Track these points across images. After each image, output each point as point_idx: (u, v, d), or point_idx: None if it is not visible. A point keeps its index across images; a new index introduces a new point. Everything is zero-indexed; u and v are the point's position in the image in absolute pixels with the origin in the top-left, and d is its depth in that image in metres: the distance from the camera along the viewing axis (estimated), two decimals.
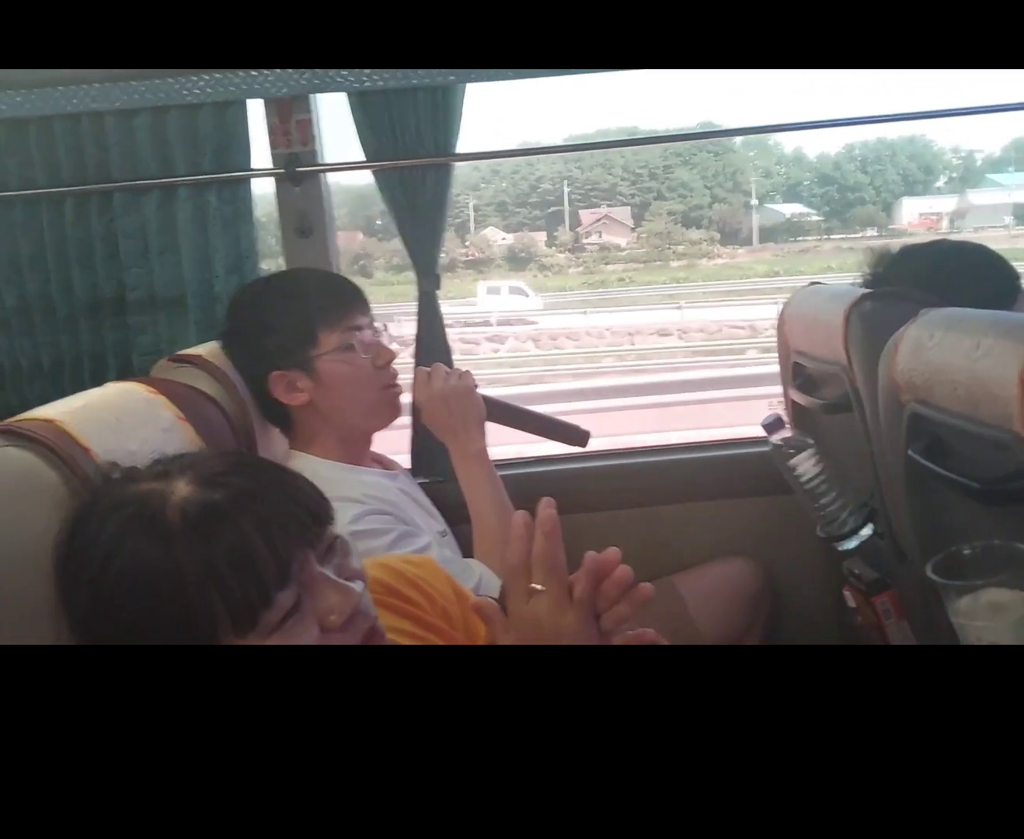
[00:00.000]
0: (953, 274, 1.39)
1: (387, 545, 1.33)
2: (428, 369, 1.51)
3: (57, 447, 0.82)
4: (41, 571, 0.75)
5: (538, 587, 0.82)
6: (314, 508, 0.79)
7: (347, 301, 1.43)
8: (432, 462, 1.74)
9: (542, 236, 28.01)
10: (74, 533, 0.75)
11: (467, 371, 1.51)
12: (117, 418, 0.98)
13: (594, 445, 1.68)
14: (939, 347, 1.04)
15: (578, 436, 1.60)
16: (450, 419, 1.48)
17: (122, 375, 1.71)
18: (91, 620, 0.74)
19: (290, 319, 1.40)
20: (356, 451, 1.47)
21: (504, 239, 27.78)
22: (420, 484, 1.67)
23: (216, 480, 0.75)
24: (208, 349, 1.39)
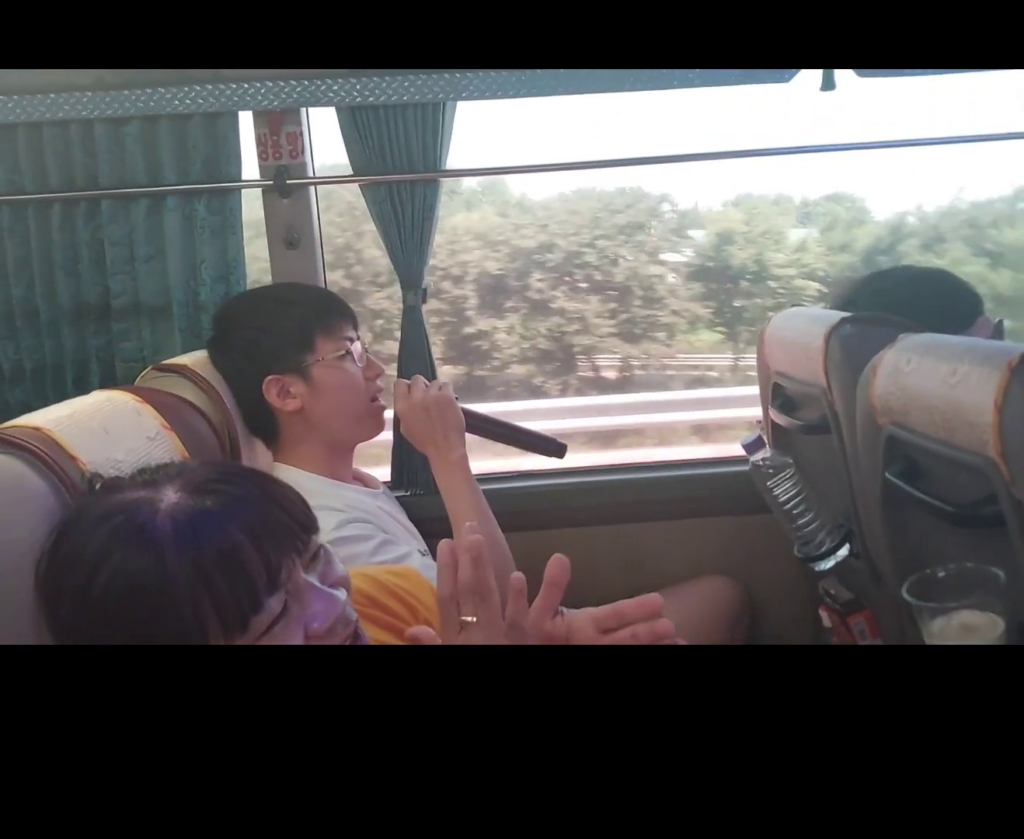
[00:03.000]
0: (917, 297, 1.44)
1: (370, 550, 1.35)
2: (408, 381, 1.53)
3: (46, 455, 0.82)
4: (28, 579, 0.75)
5: (468, 619, 0.83)
6: (301, 517, 0.80)
7: (342, 313, 1.48)
8: (412, 476, 1.75)
9: None
10: (60, 542, 0.76)
11: (447, 382, 1.54)
12: (104, 427, 0.98)
13: (577, 461, 1.70)
14: (916, 372, 1.06)
15: (555, 448, 1.62)
16: (430, 429, 1.49)
17: (105, 382, 1.71)
18: (76, 629, 0.74)
19: (288, 324, 1.43)
20: (339, 465, 1.49)
21: None
22: (400, 497, 1.68)
23: (205, 487, 0.76)
24: (193, 359, 1.40)
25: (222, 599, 0.72)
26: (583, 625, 0.84)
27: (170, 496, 0.75)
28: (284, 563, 0.76)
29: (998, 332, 1.46)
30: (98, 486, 0.82)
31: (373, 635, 0.99)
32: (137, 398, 1.09)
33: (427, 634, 0.87)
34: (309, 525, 0.81)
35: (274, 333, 1.42)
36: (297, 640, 0.76)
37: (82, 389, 1.70)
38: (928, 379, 1.03)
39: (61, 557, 0.75)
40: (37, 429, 0.88)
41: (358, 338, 1.49)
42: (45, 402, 1.71)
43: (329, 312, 1.46)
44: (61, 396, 1.69)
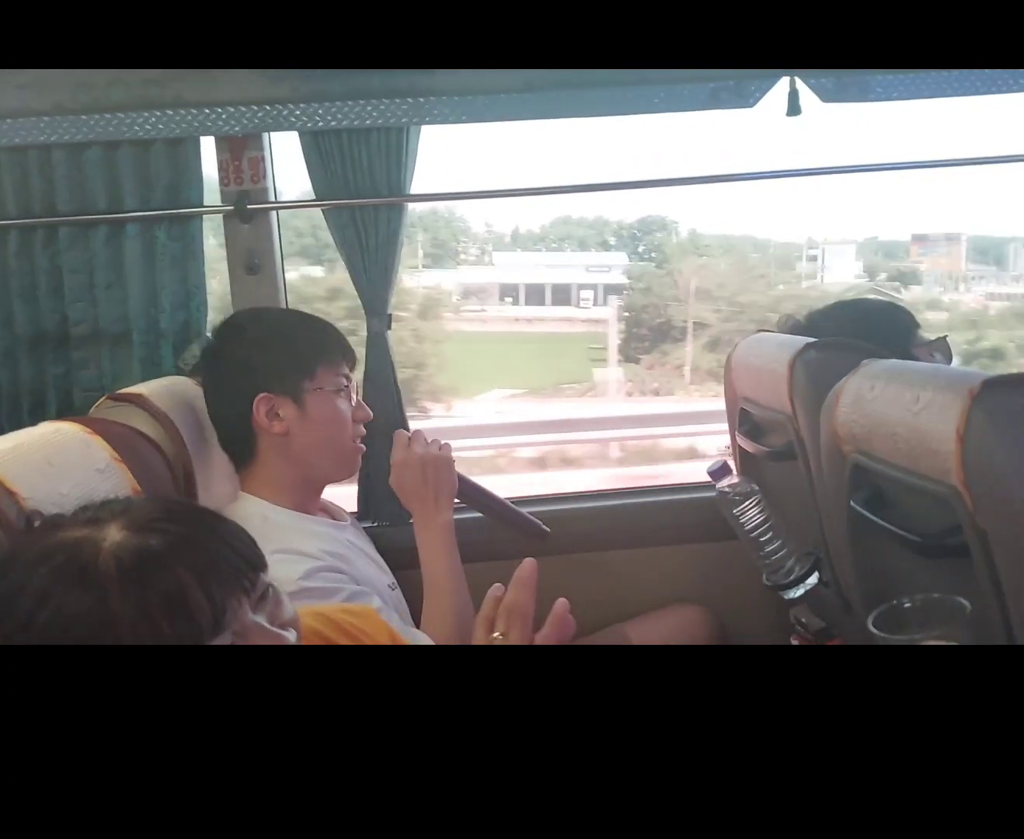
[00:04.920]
0: (859, 321, 1.48)
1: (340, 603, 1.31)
2: (409, 434, 1.51)
3: None
4: None
5: (497, 636, 0.84)
6: (248, 554, 0.78)
7: (343, 350, 1.45)
8: (378, 507, 1.73)
9: None
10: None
11: (447, 443, 1.52)
12: (48, 460, 0.96)
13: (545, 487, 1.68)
14: (879, 399, 1.05)
15: (536, 532, 1.62)
16: (422, 487, 1.47)
17: (62, 411, 1.68)
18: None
19: (290, 346, 1.40)
20: (309, 500, 1.45)
21: None
22: (366, 528, 1.66)
23: (150, 526, 0.74)
24: (150, 388, 1.37)
25: (165, 642, 0.69)
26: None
27: (114, 535, 0.72)
28: (230, 603, 0.74)
29: (945, 350, 1.47)
30: (37, 523, 0.79)
31: None
32: (87, 429, 1.06)
33: None
34: (257, 563, 0.79)
35: (276, 351, 1.39)
36: None
37: (38, 418, 1.65)
38: (891, 406, 1.02)
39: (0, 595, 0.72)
40: None
41: (352, 379, 1.47)
42: (1, 431, 1.69)
43: (332, 345, 1.44)
44: (16, 426, 1.66)
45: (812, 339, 1.32)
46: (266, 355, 1.39)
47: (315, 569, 1.31)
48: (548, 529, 1.62)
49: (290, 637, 0.78)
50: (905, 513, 1.07)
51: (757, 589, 1.61)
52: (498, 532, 1.73)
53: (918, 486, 0.98)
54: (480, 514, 1.62)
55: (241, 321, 1.50)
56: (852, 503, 1.13)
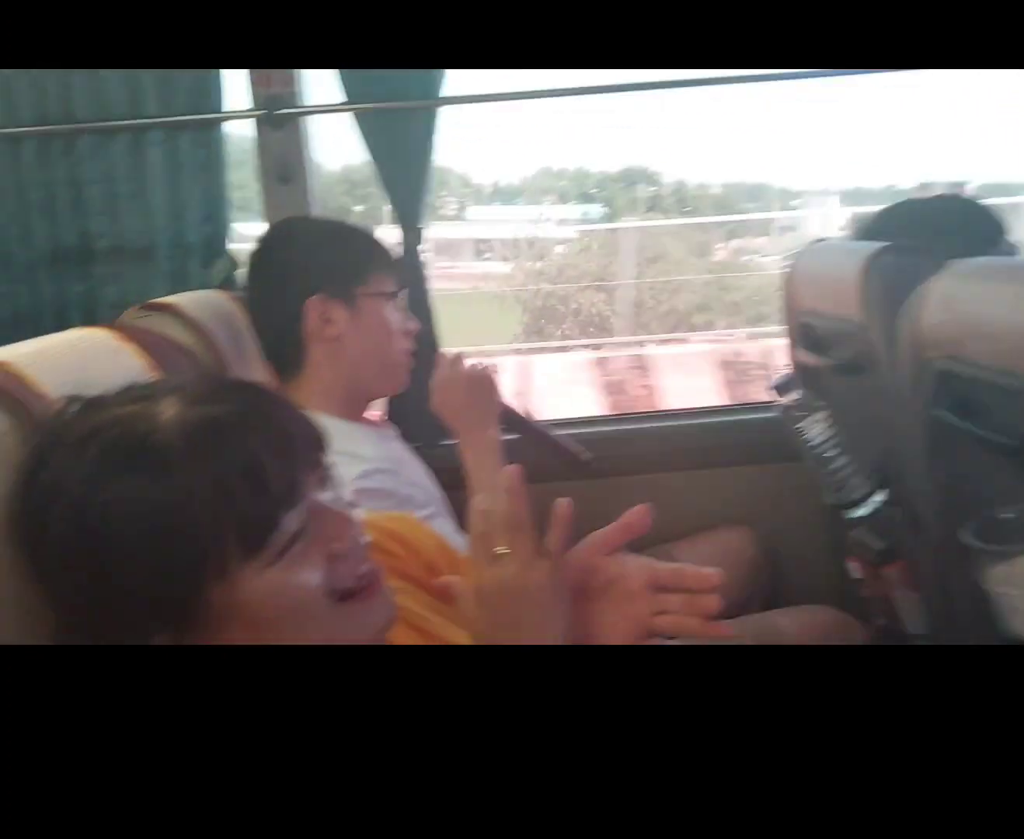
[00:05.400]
0: (940, 224, 1.38)
1: (394, 507, 1.26)
2: (453, 354, 1.46)
3: (6, 391, 0.73)
4: None
5: (501, 550, 0.77)
6: (314, 430, 0.73)
7: (393, 262, 1.41)
8: (409, 426, 1.66)
9: None
10: (38, 468, 0.66)
11: (493, 364, 1.48)
12: (80, 364, 0.89)
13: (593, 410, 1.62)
14: (974, 299, 0.97)
15: (579, 463, 1.59)
16: (467, 404, 1.43)
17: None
18: (71, 562, 0.64)
19: (344, 249, 1.36)
20: (355, 412, 1.41)
21: None
22: None
23: (212, 397, 0.68)
24: (182, 299, 1.30)
25: (243, 514, 0.64)
26: (635, 573, 0.78)
27: (170, 408, 0.66)
28: (301, 476, 0.68)
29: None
30: (77, 408, 0.71)
31: None
32: (119, 336, 0.99)
33: (455, 581, 0.81)
34: (323, 439, 0.74)
35: (329, 254, 1.35)
36: (316, 562, 0.68)
37: None
38: (989, 305, 0.94)
39: (43, 483, 0.65)
40: (2, 364, 0.78)
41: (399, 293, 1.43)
42: None
43: (383, 253, 1.40)
44: None
45: (886, 243, 1.24)
46: (318, 258, 1.34)
47: (370, 471, 1.27)
48: (590, 455, 1.57)
49: (356, 515, 0.73)
50: (995, 421, 0.99)
51: (808, 511, 1.56)
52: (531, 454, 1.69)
53: (1018, 387, 0.90)
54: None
55: (289, 227, 1.44)
56: (935, 412, 1.05)
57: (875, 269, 1.20)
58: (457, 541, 1.29)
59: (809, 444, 1.33)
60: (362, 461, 1.27)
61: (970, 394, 1.03)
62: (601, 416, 1.85)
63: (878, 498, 1.33)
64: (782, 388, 1.33)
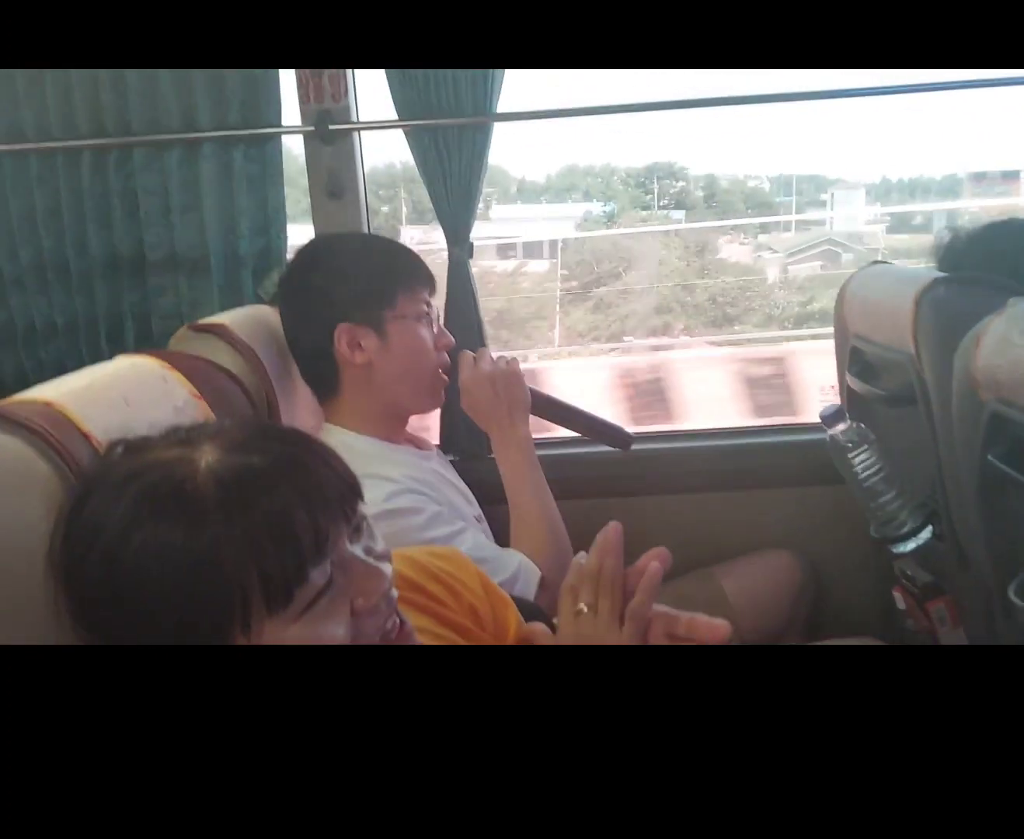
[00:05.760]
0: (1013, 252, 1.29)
1: (422, 524, 1.28)
2: (474, 353, 1.44)
3: (52, 435, 0.74)
4: (31, 569, 0.68)
5: (582, 607, 0.80)
6: (349, 481, 0.73)
7: (424, 276, 1.40)
8: (461, 440, 1.66)
9: None
10: (80, 506, 0.68)
11: (515, 358, 1.45)
12: (124, 397, 0.90)
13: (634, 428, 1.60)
14: None
15: (622, 438, 1.53)
16: (495, 404, 1.41)
17: (140, 338, 1.66)
18: (100, 604, 0.66)
19: (370, 274, 1.35)
20: (394, 430, 1.42)
21: None
22: (451, 461, 1.60)
23: (249, 445, 0.69)
24: (232, 317, 1.31)
25: (268, 567, 0.65)
26: (655, 622, 0.81)
27: (210, 454, 0.67)
28: (333, 529, 0.69)
29: None
30: (121, 450, 0.73)
31: (412, 620, 0.92)
32: (165, 364, 1.01)
33: (540, 632, 0.85)
34: (357, 489, 0.74)
35: (356, 279, 1.34)
36: (342, 616, 0.69)
37: (117, 345, 1.66)
38: None
39: (82, 522, 0.67)
40: (48, 404, 0.80)
41: (433, 305, 1.42)
42: (79, 359, 1.67)
43: (413, 271, 1.38)
44: (95, 353, 1.65)
45: (940, 273, 1.20)
46: (345, 284, 1.34)
47: (397, 491, 1.28)
48: (632, 435, 1.54)
49: (386, 570, 0.73)
50: None
51: (853, 536, 1.52)
52: (573, 470, 1.69)
53: None
54: (561, 431, 1.57)
55: (317, 249, 1.43)
56: (988, 457, 1.02)
57: (928, 301, 1.17)
58: (490, 552, 1.33)
59: (858, 476, 1.30)
60: (390, 482, 1.28)
61: (1023, 441, 1.00)
62: (645, 433, 1.82)
63: (925, 534, 1.30)
64: (830, 419, 1.30)
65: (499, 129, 1.58)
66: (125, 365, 0.99)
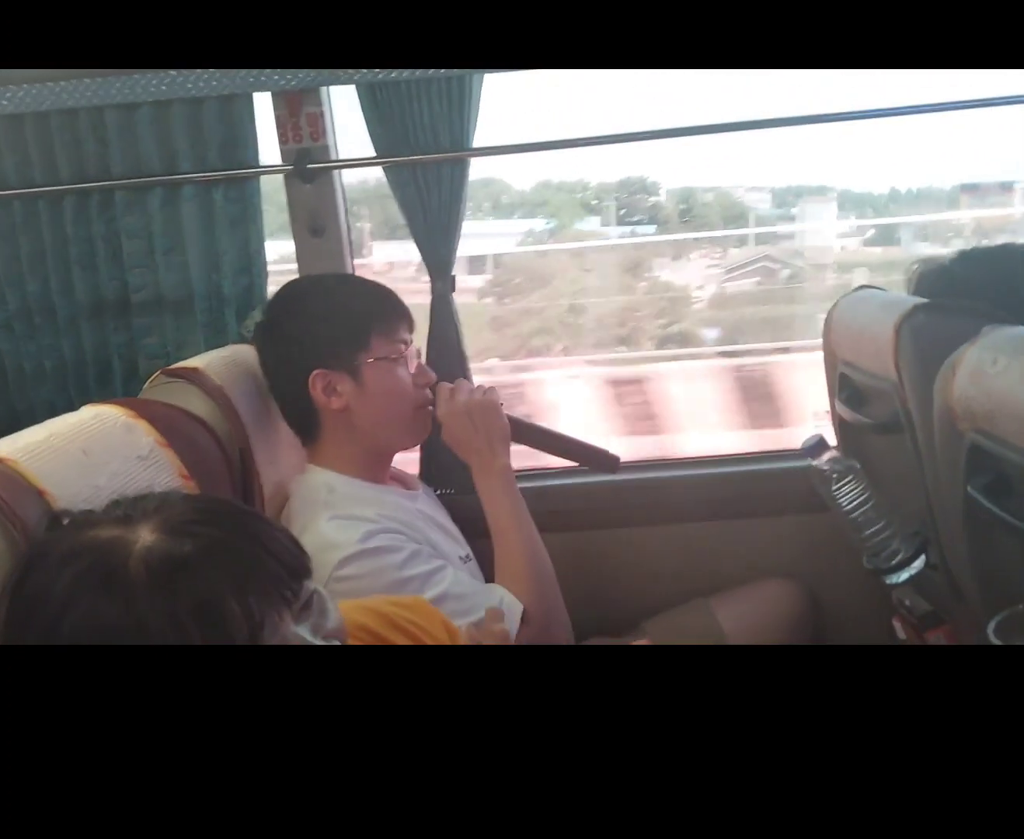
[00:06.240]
0: (1004, 281, 1.26)
1: (399, 562, 1.26)
2: (451, 385, 1.43)
3: (1, 497, 0.74)
4: None
5: None
6: (291, 562, 0.72)
7: (399, 314, 1.38)
8: (445, 475, 1.65)
9: None
10: (24, 580, 0.69)
11: (492, 387, 1.43)
12: (84, 449, 0.90)
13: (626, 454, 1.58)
14: (1004, 374, 0.91)
15: (607, 462, 1.50)
16: (474, 436, 1.40)
17: (128, 379, 1.66)
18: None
19: (343, 318, 1.35)
20: (378, 469, 1.41)
21: None
22: (439, 495, 1.59)
23: (184, 528, 0.69)
24: (208, 361, 1.31)
25: None
26: None
27: (145, 537, 0.68)
28: (269, 615, 0.68)
29: None
30: (66, 522, 0.74)
31: None
32: (131, 413, 1.01)
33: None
34: (300, 571, 0.73)
35: (329, 325, 1.34)
36: None
37: (105, 387, 1.66)
38: (1020, 383, 0.88)
39: (25, 595, 0.68)
40: (1, 460, 0.80)
41: (412, 342, 1.40)
42: (68, 402, 1.67)
43: (388, 311, 1.37)
44: (84, 395, 1.65)
45: (921, 299, 1.18)
46: (319, 329, 1.33)
47: (375, 531, 1.27)
48: (618, 457, 1.51)
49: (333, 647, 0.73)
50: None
51: (854, 565, 1.49)
52: (562, 502, 1.67)
53: None
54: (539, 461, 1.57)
55: (291, 293, 1.42)
56: (969, 489, 0.99)
57: (908, 328, 1.14)
58: (470, 588, 1.31)
59: (844, 508, 1.28)
60: (367, 522, 1.27)
61: (1005, 473, 0.98)
62: (639, 462, 1.79)
63: (918, 564, 1.27)
64: (812, 450, 1.28)
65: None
66: (88, 415, 0.98)
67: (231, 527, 0.71)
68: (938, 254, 1.37)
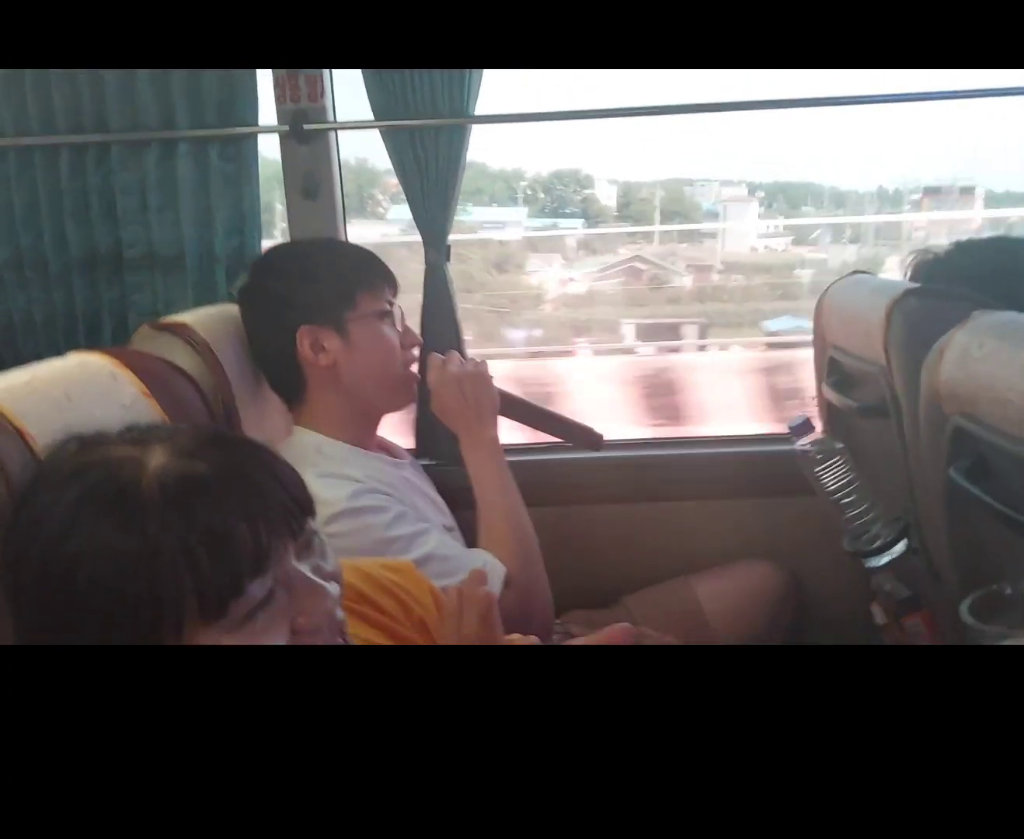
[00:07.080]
0: (1013, 272, 1.27)
1: (386, 522, 1.27)
2: (442, 355, 1.43)
3: None
4: None
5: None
6: (300, 496, 0.72)
7: (384, 275, 1.40)
8: (435, 446, 1.65)
9: None
10: (24, 502, 0.67)
11: (483, 361, 1.44)
12: (67, 394, 0.89)
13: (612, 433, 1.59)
14: (989, 358, 0.91)
15: (591, 439, 1.52)
16: (463, 407, 1.40)
17: (118, 334, 1.65)
18: (38, 599, 0.66)
19: (331, 275, 1.35)
20: (364, 433, 1.41)
21: None
22: (425, 465, 1.59)
23: (199, 452, 0.68)
24: (196, 317, 1.30)
25: (203, 577, 0.63)
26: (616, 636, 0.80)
27: (159, 457, 0.66)
28: (275, 545, 0.67)
29: None
30: (75, 446, 0.72)
31: (362, 634, 0.93)
32: (115, 361, 1.00)
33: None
34: (307, 506, 0.72)
35: (316, 282, 1.34)
36: (281, 632, 0.68)
37: (94, 341, 1.65)
38: (1003, 366, 0.88)
39: (25, 517, 0.67)
40: None
41: (397, 305, 1.41)
42: (58, 354, 1.66)
43: (373, 271, 1.39)
44: (73, 348, 1.63)
45: (913, 284, 1.18)
46: (305, 287, 1.34)
47: (361, 490, 1.27)
48: (602, 435, 1.52)
49: (332, 591, 0.72)
50: (1011, 488, 0.94)
51: (835, 548, 1.50)
52: (547, 475, 1.68)
53: None
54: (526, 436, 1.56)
55: (276, 255, 1.44)
56: (951, 471, 1.00)
57: (899, 312, 1.15)
58: (454, 550, 1.32)
59: (827, 489, 1.28)
60: (354, 482, 1.27)
61: (986, 456, 0.98)
62: (622, 441, 1.80)
63: (899, 549, 1.28)
64: (797, 431, 1.28)
65: None
66: (73, 362, 0.98)
67: (244, 455, 0.71)
68: (935, 244, 1.38)
